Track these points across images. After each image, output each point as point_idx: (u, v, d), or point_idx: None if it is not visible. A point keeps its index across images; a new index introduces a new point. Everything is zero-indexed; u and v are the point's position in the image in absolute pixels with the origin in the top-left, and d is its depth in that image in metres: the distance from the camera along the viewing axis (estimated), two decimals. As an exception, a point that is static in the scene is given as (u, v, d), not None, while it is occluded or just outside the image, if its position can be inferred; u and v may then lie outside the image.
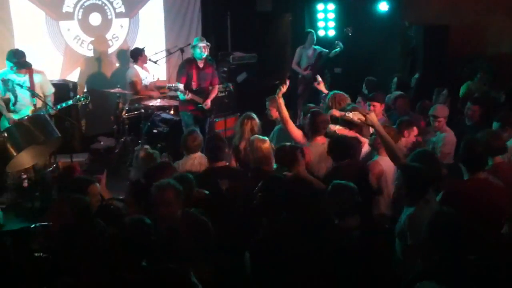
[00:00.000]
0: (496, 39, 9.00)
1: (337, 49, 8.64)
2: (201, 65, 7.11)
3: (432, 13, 9.30)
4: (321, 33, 9.92)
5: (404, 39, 9.42)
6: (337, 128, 5.26)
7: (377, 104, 5.96)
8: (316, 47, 9.18)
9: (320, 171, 4.88)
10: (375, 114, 5.58)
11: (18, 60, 6.30)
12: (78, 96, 6.65)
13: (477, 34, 9.08)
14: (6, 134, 5.69)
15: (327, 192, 3.69)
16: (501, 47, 8.96)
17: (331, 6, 9.93)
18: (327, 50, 8.91)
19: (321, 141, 5.04)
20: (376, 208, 4.52)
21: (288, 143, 4.83)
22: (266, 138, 4.98)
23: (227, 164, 5.07)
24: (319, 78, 6.44)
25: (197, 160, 5.03)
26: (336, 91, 5.97)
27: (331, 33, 9.91)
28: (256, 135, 5.04)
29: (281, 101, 5.30)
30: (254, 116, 5.57)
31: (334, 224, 3.60)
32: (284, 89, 5.33)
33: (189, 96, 6.91)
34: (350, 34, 8.73)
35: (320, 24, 10.06)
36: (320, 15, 10.07)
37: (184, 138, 5.14)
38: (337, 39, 8.88)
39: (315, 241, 3.44)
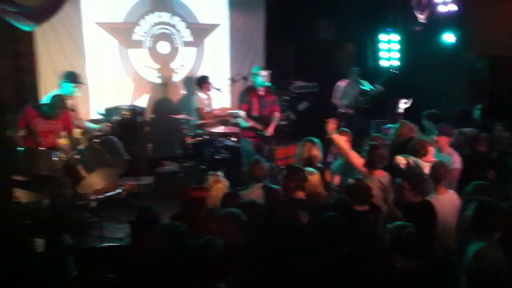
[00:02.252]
0: None
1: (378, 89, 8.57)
2: (262, 93, 7.26)
3: (498, 43, 9.10)
4: (384, 63, 9.89)
5: (470, 71, 9.24)
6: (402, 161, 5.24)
7: (443, 138, 5.88)
8: (363, 82, 9.00)
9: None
10: (441, 146, 5.61)
11: (78, 82, 6.64)
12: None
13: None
14: (78, 156, 5.97)
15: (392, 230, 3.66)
16: None
17: (395, 37, 9.90)
18: (370, 88, 8.81)
19: (380, 174, 5.03)
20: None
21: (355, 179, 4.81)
22: (316, 171, 5.04)
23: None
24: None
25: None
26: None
27: (395, 63, 9.87)
28: (307, 168, 5.10)
29: (335, 137, 5.36)
30: (316, 140, 5.62)
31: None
32: (332, 126, 5.38)
33: (250, 123, 7.05)
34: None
35: (383, 54, 10.03)
36: (383, 46, 10.05)
37: (251, 167, 5.20)
38: (399, 71, 8.81)
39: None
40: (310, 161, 5.52)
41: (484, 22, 9.18)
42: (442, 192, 4.76)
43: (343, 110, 8.93)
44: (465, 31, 9.32)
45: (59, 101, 6.08)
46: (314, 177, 5.00)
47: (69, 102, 6.44)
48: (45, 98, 6.49)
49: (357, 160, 5.30)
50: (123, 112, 7.25)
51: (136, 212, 4.40)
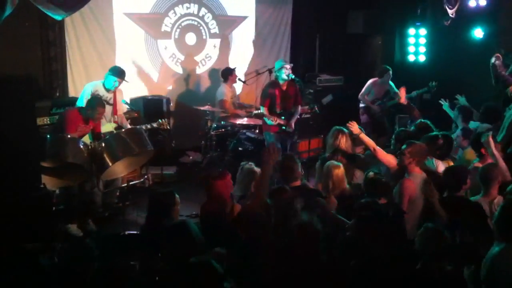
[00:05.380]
0: None
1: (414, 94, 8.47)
2: (284, 88, 7.23)
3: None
4: (411, 58, 9.80)
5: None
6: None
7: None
8: (391, 84, 8.71)
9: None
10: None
11: (122, 78, 6.70)
12: (160, 121, 6.77)
13: None
14: (103, 144, 6.05)
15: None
16: None
17: (423, 31, 9.80)
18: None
19: (418, 172, 4.98)
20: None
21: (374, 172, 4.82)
22: (340, 164, 5.05)
23: (303, 183, 5.06)
24: None
25: None
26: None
27: (422, 58, 9.78)
28: (332, 161, 5.11)
29: (362, 136, 5.40)
30: (345, 130, 5.61)
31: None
32: (354, 126, 5.41)
33: (274, 121, 7.04)
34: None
35: (411, 49, 9.94)
36: (411, 40, 9.95)
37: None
38: (429, 66, 8.69)
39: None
40: (341, 151, 5.53)
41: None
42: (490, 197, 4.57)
43: (365, 105, 8.80)
44: (495, 26, 9.17)
45: (100, 104, 6.12)
46: (339, 170, 4.98)
47: (109, 96, 6.57)
48: (81, 99, 6.49)
49: (388, 158, 5.30)
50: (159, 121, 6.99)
51: (153, 195, 4.51)
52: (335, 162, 5.12)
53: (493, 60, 7.71)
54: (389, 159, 5.28)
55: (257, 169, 4.91)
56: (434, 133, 5.73)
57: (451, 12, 9.54)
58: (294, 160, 5.08)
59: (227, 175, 4.68)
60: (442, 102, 7.22)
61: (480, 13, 9.13)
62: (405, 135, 5.72)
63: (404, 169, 5.02)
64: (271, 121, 7.04)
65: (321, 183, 5.13)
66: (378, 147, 5.39)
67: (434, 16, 9.70)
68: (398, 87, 8.25)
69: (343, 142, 5.56)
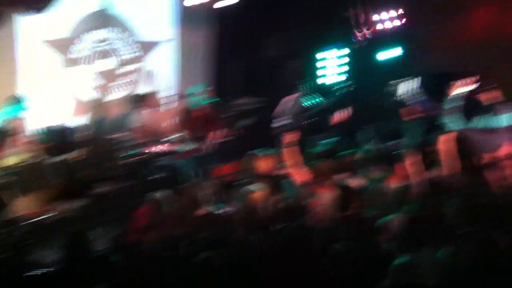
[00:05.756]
0: None
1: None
2: (200, 112, 7.18)
3: (440, 60, 9.28)
4: (331, 79, 10.01)
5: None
6: None
7: None
8: (308, 98, 8.90)
9: None
10: None
11: (24, 107, 6.48)
12: None
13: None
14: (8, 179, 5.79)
15: None
16: None
17: (342, 52, 10.03)
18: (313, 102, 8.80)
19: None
20: None
21: None
22: (258, 189, 4.99)
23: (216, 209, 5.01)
24: None
25: None
26: None
27: (341, 78, 10.00)
28: (247, 187, 5.05)
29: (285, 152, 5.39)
30: (259, 154, 5.65)
31: None
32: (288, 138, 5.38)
33: (189, 146, 6.97)
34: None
35: (330, 70, 10.14)
36: (330, 61, 10.16)
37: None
38: (341, 86, 8.88)
39: None
40: (256, 176, 5.51)
41: (427, 39, 9.40)
42: None
43: (283, 123, 8.81)
44: (408, 47, 9.53)
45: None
46: (257, 195, 4.94)
47: (12, 125, 6.41)
48: None
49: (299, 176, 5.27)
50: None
51: (66, 238, 4.31)
52: (252, 187, 5.06)
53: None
54: (299, 177, 5.26)
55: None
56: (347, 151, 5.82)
57: (367, 33, 9.87)
58: (210, 187, 5.04)
59: (142, 206, 4.63)
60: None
61: (394, 34, 9.48)
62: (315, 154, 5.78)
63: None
64: (186, 146, 6.95)
65: (239, 208, 5.03)
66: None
67: (351, 38, 9.97)
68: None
69: (261, 166, 5.54)
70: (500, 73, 8.74)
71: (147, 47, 9.24)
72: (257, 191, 5.00)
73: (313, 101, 8.96)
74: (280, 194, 5.50)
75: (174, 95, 9.01)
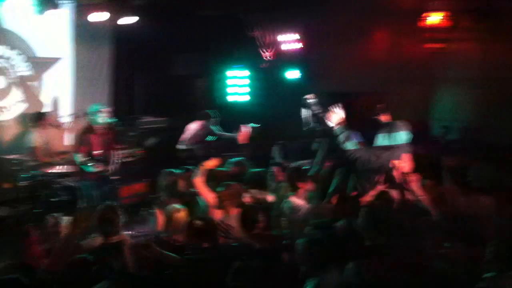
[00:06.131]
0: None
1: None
2: (100, 132, 6.90)
3: (339, 80, 9.65)
4: (234, 98, 10.06)
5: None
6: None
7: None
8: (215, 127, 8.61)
9: None
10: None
11: None
12: None
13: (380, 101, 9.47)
14: None
15: None
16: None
17: (244, 73, 10.16)
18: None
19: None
20: None
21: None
22: (181, 208, 4.87)
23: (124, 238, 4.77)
24: None
25: None
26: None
27: (243, 98, 10.09)
28: (172, 205, 4.92)
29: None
30: (176, 171, 5.53)
31: None
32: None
33: (92, 167, 6.68)
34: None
35: (233, 89, 10.23)
36: (233, 81, 10.25)
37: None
38: (248, 105, 8.98)
39: None
40: (175, 194, 5.38)
41: (326, 60, 9.77)
42: None
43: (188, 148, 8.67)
44: (308, 68, 9.84)
45: None
46: (180, 214, 4.77)
47: None
48: None
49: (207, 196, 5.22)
50: None
51: None
52: (176, 206, 4.90)
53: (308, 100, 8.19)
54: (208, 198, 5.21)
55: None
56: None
57: (267, 55, 10.08)
58: (115, 211, 4.58)
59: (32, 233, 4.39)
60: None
61: (295, 56, 9.76)
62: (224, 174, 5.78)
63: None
64: (87, 167, 6.66)
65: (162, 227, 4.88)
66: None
67: (253, 59, 10.15)
68: (223, 127, 8.38)
69: (179, 184, 5.44)
70: (397, 93, 9.34)
71: (43, 64, 8.80)
72: (181, 210, 4.87)
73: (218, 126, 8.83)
74: (196, 212, 5.45)
75: (73, 114, 8.66)
